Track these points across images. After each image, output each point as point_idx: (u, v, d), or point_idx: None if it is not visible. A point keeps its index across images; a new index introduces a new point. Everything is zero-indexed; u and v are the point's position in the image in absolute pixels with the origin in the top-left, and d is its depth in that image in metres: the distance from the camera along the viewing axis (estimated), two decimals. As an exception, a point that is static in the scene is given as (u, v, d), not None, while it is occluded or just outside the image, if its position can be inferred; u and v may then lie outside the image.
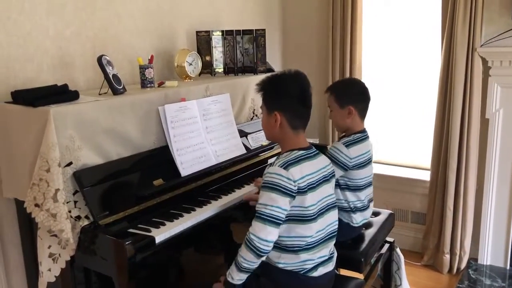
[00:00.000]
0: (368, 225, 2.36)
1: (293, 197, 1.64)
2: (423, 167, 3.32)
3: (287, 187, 1.62)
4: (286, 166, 1.64)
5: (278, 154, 2.58)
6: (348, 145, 2.11)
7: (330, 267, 1.80)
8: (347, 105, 2.16)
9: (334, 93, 2.21)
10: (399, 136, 3.42)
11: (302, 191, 1.65)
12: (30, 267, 1.99)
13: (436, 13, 2.97)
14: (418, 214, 3.31)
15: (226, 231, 2.33)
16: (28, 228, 1.92)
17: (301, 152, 1.72)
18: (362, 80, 3.30)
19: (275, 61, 3.51)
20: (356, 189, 2.15)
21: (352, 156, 2.09)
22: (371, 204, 2.30)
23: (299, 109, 1.75)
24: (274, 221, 1.61)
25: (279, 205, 1.61)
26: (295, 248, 1.71)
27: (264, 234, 1.60)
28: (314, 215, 1.70)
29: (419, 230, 3.30)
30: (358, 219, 2.17)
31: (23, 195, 1.73)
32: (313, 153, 1.77)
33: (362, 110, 2.21)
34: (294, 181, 1.63)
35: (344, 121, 2.19)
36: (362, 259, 2.09)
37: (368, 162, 2.18)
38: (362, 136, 2.19)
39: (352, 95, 2.20)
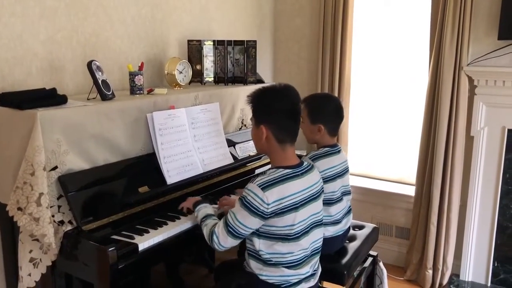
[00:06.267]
0: (351, 238, 2.37)
1: (264, 218, 1.64)
2: (408, 182, 3.36)
3: (259, 208, 1.62)
4: (265, 186, 1.64)
5: (265, 165, 2.62)
6: (314, 159, 2.11)
7: (312, 283, 1.81)
8: (317, 122, 2.16)
9: (308, 107, 2.19)
10: (385, 151, 3.45)
11: (279, 213, 1.65)
12: (10, 272, 1.95)
13: (425, 31, 3.02)
14: (402, 229, 3.33)
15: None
16: (9, 232, 1.90)
17: (286, 171, 1.70)
18: (351, 94, 3.36)
19: (266, 72, 3.54)
20: (326, 203, 2.12)
21: (320, 170, 2.07)
22: (349, 217, 2.29)
23: (286, 124, 1.74)
24: (235, 235, 1.68)
25: (245, 223, 1.66)
26: (275, 263, 1.71)
27: (224, 242, 1.71)
28: (296, 234, 1.69)
29: (403, 244, 3.32)
30: (326, 232, 2.12)
31: (6, 198, 1.71)
32: (301, 171, 1.75)
33: (332, 130, 2.21)
34: (268, 204, 1.62)
35: (312, 136, 2.20)
36: (345, 272, 2.09)
37: (337, 176, 2.17)
38: (331, 150, 2.18)
39: (325, 114, 2.19)
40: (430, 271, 3.06)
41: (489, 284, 3.01)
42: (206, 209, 1.87)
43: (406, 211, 3.28)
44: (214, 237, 1.71)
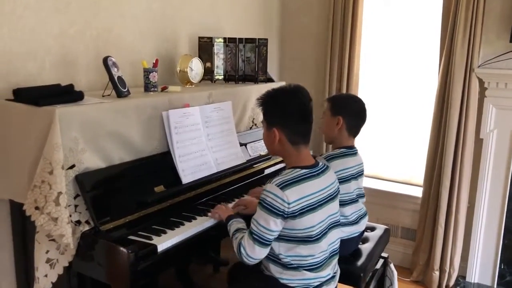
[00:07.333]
0: (364, 240, 2.35)
1: (285, 218, 1.61)
2: (415, 183, 3.35)
3: (280, 208, 1.59)
4: (284, 186, 1.61)
5: (276, 164, 2.59)
6: (329, 159, 2.09)
7: (332, 285, 1.79)
8: (338, 114, 2.15)
9: (331, 101, 2.21)
10: (393, 152, 3.43)
11: (297, 214, 1.61)
12: (20, 273, 1.91)
13: (436, 32, 3.01)
14: (408, 230, 3.32)
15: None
16: (21, 232, 1.85)
17: (303, 171, 1.67)
18: (359, 93, 3.34)
19: (273, 70, 3.50)
20: (340, 204, 2.07)
21: (334, 170, 2.02)
22: (365, 219, 2.26)
23: (298, 126, 1.71)
24: (262, 242, 1.63)
25: (269, 227, 1.61)
26: (296, 266, 1.68)
27: (251, 252, 1.65)
28: (316, 236, 1.67)
29: (409, 246, 3.31)
30: (341, 234, 2.11)
31: (20, 196, 1.67)
32: (318, 171, 1.72)
33: (353, 127, 2.19)
34: (289, 203, 1.59)
35: (331, 129, 2.18)
36: (361, 274, 2.07)
37: (352, 177, 2.15)
38: (347, 151, 2.16)
39: (347, 108, 2.18)
40: (437, 273, 3.05)
41: (495, 286, 3.01)
42: (237, 223, 1.80)
43: (412, 212, 3.27)
44: (242, 249, 1.66)
